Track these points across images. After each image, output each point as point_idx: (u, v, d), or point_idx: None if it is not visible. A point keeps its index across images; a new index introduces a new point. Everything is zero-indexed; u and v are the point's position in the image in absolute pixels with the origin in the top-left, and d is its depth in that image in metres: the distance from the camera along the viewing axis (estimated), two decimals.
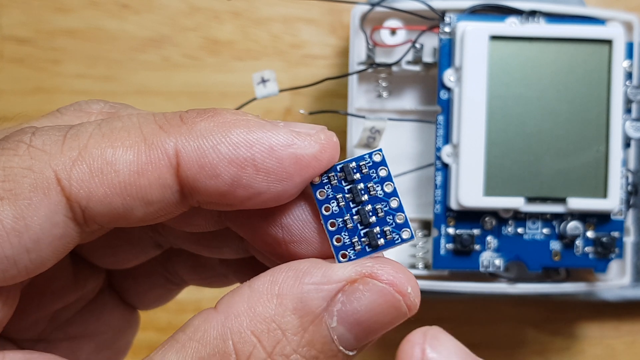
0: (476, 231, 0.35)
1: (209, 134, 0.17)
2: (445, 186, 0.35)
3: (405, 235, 0.18)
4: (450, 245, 0.36)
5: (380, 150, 0.19)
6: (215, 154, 0.17)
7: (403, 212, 0.18)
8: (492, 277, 0.37)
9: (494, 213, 0.35)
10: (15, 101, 0.42)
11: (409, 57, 0.36)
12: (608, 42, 0.35)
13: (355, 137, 0.36)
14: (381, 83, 0.38)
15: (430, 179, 0.36)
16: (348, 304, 0.17)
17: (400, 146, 0.39)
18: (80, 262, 0.23)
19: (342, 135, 0.38)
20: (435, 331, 0.18)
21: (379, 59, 0.37)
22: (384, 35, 0.36)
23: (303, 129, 0.18)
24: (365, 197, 0.19)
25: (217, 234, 0.22)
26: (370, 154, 0.19)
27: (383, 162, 0.19)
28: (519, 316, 0.43)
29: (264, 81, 0.34)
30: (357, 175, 0.19)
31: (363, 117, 0.36)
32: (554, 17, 0.35)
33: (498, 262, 0.36)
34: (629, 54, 0.36)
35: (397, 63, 0.36)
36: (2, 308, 0.17)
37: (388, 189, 0.19)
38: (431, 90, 0.38)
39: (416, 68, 0.37)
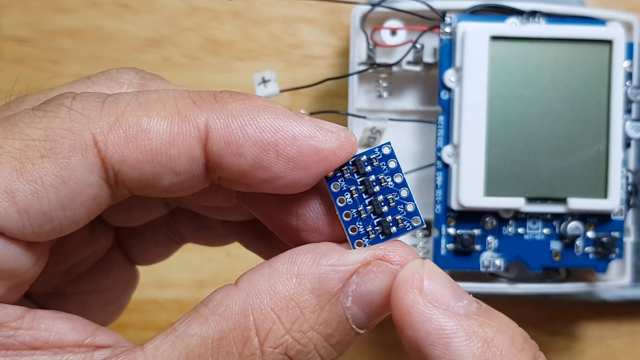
0: (477, 231, 0.36)
1: (238, 114, 0.18)
2: (446, 186, 0.35)
3: (415, 222, 0.19)
4: (450, 246, 0.36)
5: (389, 143, 0.20)
6: (242, 134, 0.18)
7: (413, 201, 0.19)
8: (492, 277, 0.37)
9: (494, 213, 0.35)
10: None
11: (410, 57, 0.36)
12: (608, 43, 0.35)
13: (356, 138, 0.36)
14: (382, 83, 0.38)
15: (430, 179, 0.36)
16: (362, 285, 0.18)
17: (400, 146, 0.39)
18: (95, 220, 0.23)
19: None
20: (431, 263, 0.19)
21: (380, 59, 0.37)
22: (385, 36, 0.36)
23: (326, 125, 0.19)
24: (377, 188, 0.19)
25: None
26: (380, 147, 0.20)
27: (392, 155, 0.20)
28: (519, 316, 0.42)
29: (264, 81, 0.34)
30: (369, 168, 0.20)
31: (364, 117, 0.36)
32: (554, 18, 0.35)
33: (498, 262, 0.36)
34: (629, 54, 0.36)
35: (397, 63, 0.36)
36: (34, 265, 0.18)
37: (398, 179, 0.19)
38: (432, 90, 0.38)
39: (417, 68, 0.37)
